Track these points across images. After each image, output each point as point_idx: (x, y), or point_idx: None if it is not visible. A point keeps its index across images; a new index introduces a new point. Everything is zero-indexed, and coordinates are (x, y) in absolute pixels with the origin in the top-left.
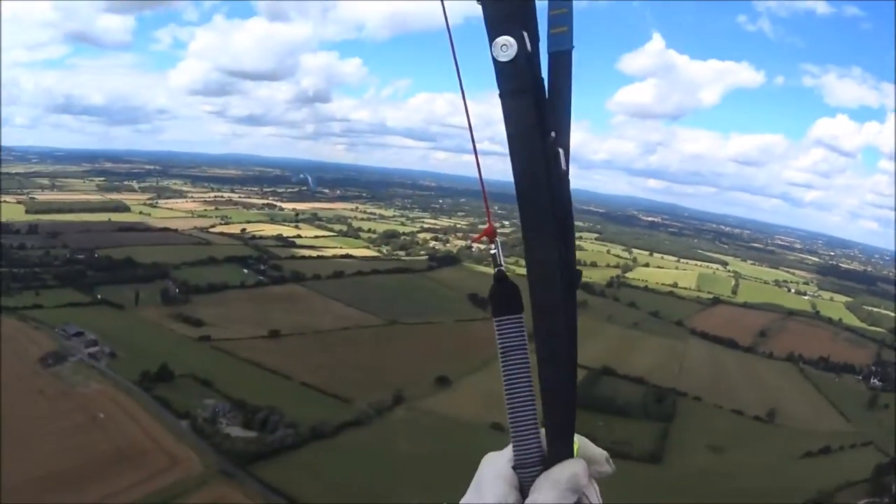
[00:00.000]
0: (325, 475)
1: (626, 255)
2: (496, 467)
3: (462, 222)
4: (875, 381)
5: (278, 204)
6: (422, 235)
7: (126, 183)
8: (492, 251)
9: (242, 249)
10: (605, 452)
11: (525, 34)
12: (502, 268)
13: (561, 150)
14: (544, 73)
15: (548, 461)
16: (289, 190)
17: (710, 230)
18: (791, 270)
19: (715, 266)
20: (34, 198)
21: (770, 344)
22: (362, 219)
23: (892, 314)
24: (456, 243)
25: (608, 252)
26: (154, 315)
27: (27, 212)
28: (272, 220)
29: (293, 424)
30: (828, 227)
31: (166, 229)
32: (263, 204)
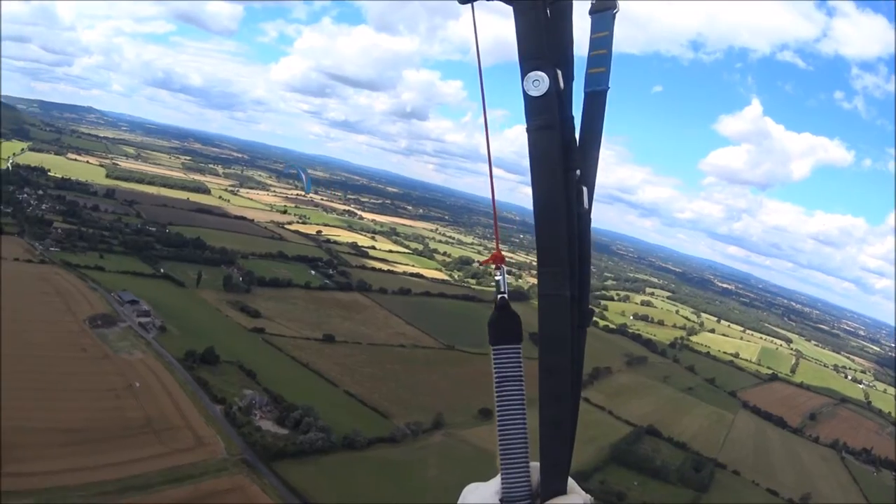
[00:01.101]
0: (346, 485)
1: (694, 317)
2: (481, 498)
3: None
4: None
5: (359, 212)
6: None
7: (211, 166)
8: (496, 277)
9: (314, 251)
10: (590, 497)
11: (558, 71)
12: (505, 296)
13: (585, 189)
14: (578, 112)
15: (542, 495)
16: (372, 200)
17: (781, 305)
18: (851, 357)
19: (779, 342)
20: (117, 164)
21: (818, 428)
22: (440, 241)
23: None
24: (528, 280)
25: (677, 312)
26: (213, 298)
27: (108, 176)
28: (350, 228)
29: (326, 429)
30: (893, 318)
31: (243, 218)
32: (344, 210)
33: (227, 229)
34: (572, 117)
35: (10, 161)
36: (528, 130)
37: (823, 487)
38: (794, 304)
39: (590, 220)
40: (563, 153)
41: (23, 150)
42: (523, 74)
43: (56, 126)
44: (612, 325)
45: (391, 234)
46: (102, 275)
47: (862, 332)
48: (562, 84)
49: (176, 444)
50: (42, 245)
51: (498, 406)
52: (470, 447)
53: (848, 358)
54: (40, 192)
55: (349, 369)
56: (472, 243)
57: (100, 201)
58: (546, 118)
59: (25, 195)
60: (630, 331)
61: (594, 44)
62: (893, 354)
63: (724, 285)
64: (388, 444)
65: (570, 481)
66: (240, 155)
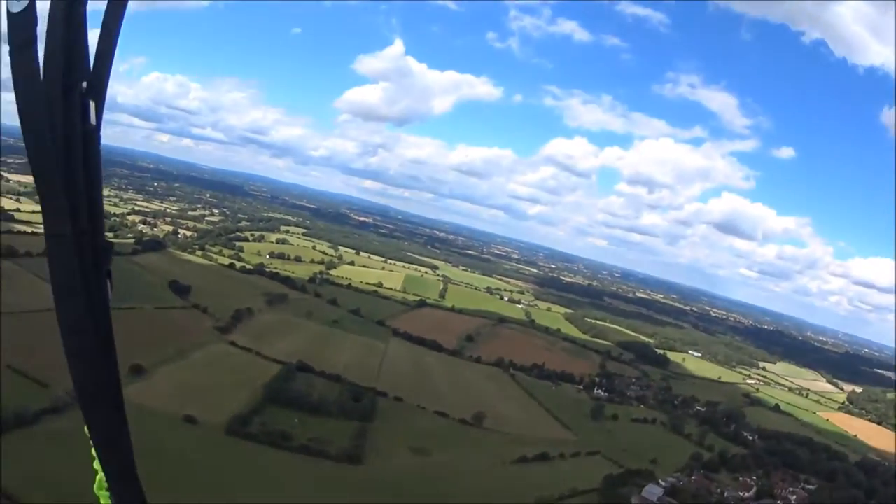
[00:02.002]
0: (28, 465)
1: (332, 252)
2: None
3: (173, 207)
4: (600, 391)
5: (5, 174)
6: (131, 217)
7: None
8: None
9: None
10: None
11: None
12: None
13: (92, 103)
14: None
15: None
16: (17, 161)
17: (423, 234)
18: (506, 279)
19: (424, 269)
20: None
21: (478, 349)
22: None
23: (622, 328)
24: (164, 228)
25: (314, 248)
26: None
27: None
28: None
29: None
30: (550, 241)
31: None
32: None
33: None
34: (83, 27)
35: None
36: (10, 53)
37: (497, 405)
38: (437, 232)
39: (99, 137)
40: (63, 65)
41: None
42: None
43: None
44: (248, 266)
45: (34, 193)
46: None
47: (515, 256)
48: None
49: None
50: None
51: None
52: (134, 406)
53: (502, 280)
54: None
55: (8, 341)
56: (107, 196)
57: None
58: (26, 33)
59: None
60: (268, 270)
61: None
62: (554, 275)
63: (362, 218)
64: (53, 414)
65: None
66: None
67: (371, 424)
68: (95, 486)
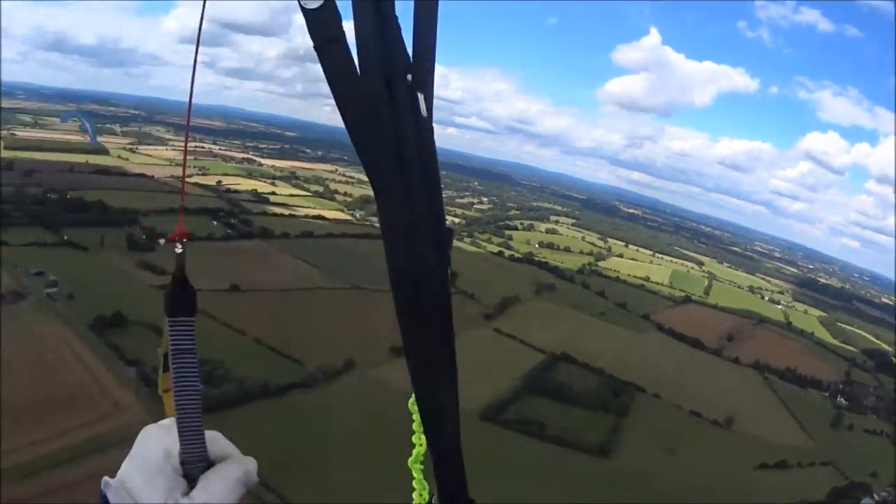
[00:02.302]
0: (262, 436)
1: (601, 243)
2: (156, 460)
3: (444, 194)
4: (842, 399)
5: (258, 159)
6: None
7: (109, 126)
8: (178, 250)
9: (215, 202)
10: (253, 461)
11: None
12: (184, 269)
13: (421, 95)
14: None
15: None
16: (271, 146)
17: (690, 228)
18: (767, 278)
19: (690, 265)
20: (14, 134)
21: (737, 349)
22: (340, 181)
23: (866, 334)
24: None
25: (583, 239)
26: (117, 260)
27: (6, 148)
28: (249, 175)
29: (240, 380)
30: (808, 240)
31: (142, 175)
32: (243, 158)
33: (128, 188)
34: (395, 17)
35: None
36: (315, 49)
37: (748, 408)
38: (703, 227)
39: (431, 129)
40: (385, 57)
41: None
42: None
43: None
44: (517, 255)
45: (291, 178)
46: (6, 249)
47: (777, 254)
48: None
49: (93, 413)
50: None
51: (175, 376)
52: (382, 386)
53: (764, 279)
54: None
55: (256, 317)
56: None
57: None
58: (332, 30)
59: None
60: (536, 259)
61: None
62: (811, 276)
63: (631, 211)
64: (301, 388)
65: (229, 446)
66: (136, 112)
67: (626, 419)
68: (411, 460)
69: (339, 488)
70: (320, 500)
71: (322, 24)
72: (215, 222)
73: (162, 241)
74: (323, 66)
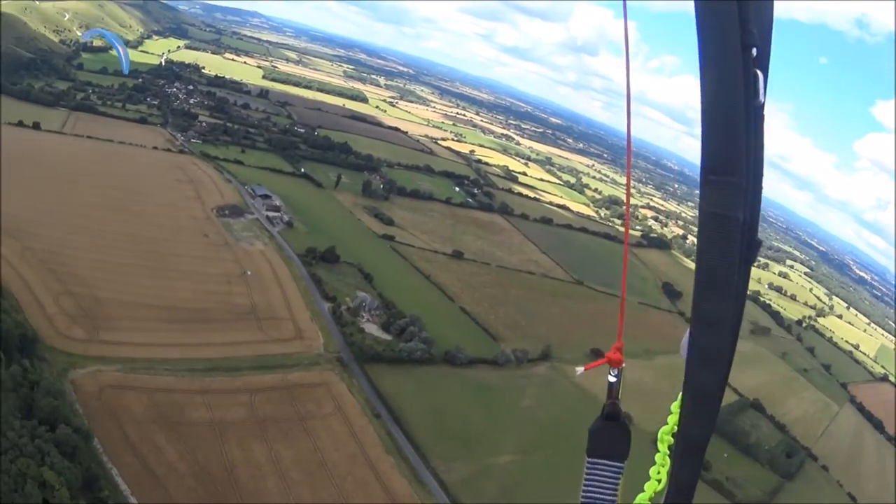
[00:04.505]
0: (433, 398)
1: (826, 300)
2: None
3: (689, 212)
4: None
5: (517, 138)
6: (644, 211)
7: (373, 77)
8: (611, 379)
9: (463, 168)
10: None
11: None
12: (617, 402)
13: (760, 74)
14: None
15: (673, 475)
16: (533, 128)
17: None
18: None
19: None
20: (276, 66)
21: None
22: (593, 177)
23: None
24: (674, 230)
25: (811, 290)
26: (348, 202)
27: (264, 77)
28: (504, 151)
29: (429, 341)
30: None
31: (396, 129)
32: (502, 134)
33: (378, 138)
34: None
35: (164, 56)
36: None
37: None
38: None
39: (764, 117)
40: (740, 23)
41: (178, 47)
42: None
43: (217, 27)
44: None
45: (546, 163)
46: (241, 168)
47: None
48: None
49: (275, 334)
50: (184, 136)
51: None
52: (571, 384)
53: None
54: (191, 87)
55: (470, 287)
56: (625, 183)
57: (251, 100)
58: None
59: (175, 89)
60: (761, 299)
61: None
62: None
63: (861, 273)
64: (489, 365)
65: None
66: (405, 69)
67: (790, 483)
68: (662, 431)
69: (494, 473)
70: (472, 478)
71: None
72: (457, 188)
73: (580, 369)
74: (698, 12)
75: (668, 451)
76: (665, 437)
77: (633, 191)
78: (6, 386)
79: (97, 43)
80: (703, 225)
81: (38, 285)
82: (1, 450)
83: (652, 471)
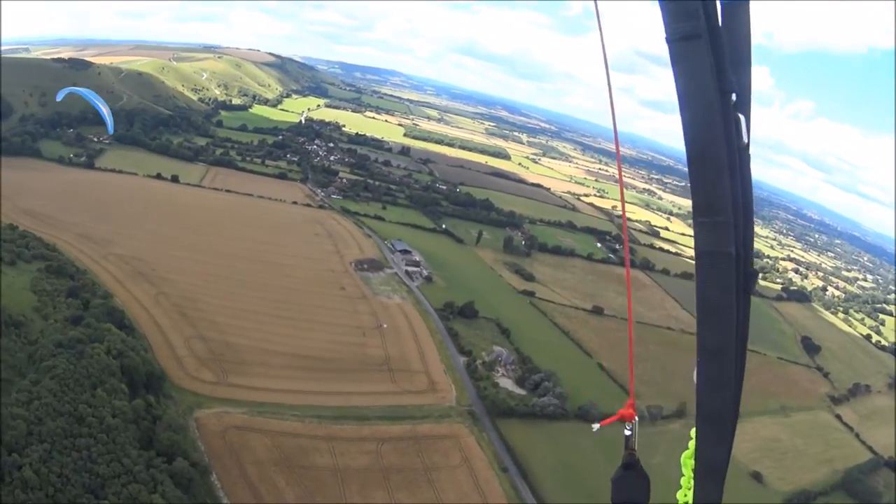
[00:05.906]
0: (566, 456)
1: None
2: None
3: (829, 263)
4: None
5: (659, 192)
6: (784, 263)
7: (515, 134)
8: (626, 432)
9: (604, 224)
10: None
11: None
12: (634, 452)
13: (742, 118)
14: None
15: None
16: (675, 182)
17: None
18: None
19: None
20: (417, 124)
21: None
22: None
23: None
24: (814, 281)
25: None
26: (489, 258)
27: (405, 135)
28: (647, 206)
29: (563, 397)
30: None
31: (538, 186)
32: (644, 189)
33: (520, 195)
34: (719, 27)
35: (304, 115)
36: (668, 41)
37: None
38: None
39: (749, 157)
40: (716, 69)
41: (318, 105)
42: None
43: (356, 86)
44: (884, 342)
45: (688, 217)
46: (381, 224)
47: None
48: None
49: (407, 386)
50: (324, 192)
51: None
52: None
53: None
54: (331, 144)
55: (609, 343)
56: (766, 237)
57: (393, 157)
58: (692, 24)
59: (315, 146)
60: None
61: None
62: None
63: None
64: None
65: None
66: (547, 125)
67: None
68: (684, 455)
69: None
70: None
71: (682, 15)
72: (599, 244)
73: (596, 426)
74: (673, 63)
75: (692, 475)
76: (687, 461)
77: (774, 242)
78: (127, 417)
79: (236, 101)
80: (699, 262)
81: (170, 328)
82: (114, 473)
83: (679, 494)
